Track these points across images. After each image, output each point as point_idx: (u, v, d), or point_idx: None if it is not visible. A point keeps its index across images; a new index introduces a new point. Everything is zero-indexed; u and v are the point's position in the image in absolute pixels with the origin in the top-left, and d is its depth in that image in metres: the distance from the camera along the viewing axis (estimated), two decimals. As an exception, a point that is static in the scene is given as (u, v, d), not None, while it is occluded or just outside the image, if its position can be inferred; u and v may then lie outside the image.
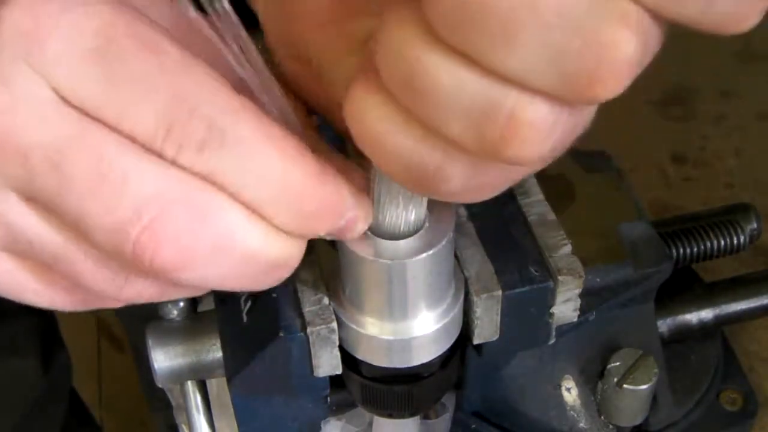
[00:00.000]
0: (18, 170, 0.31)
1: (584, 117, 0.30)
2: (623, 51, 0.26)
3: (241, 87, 0.33)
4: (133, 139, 0.31)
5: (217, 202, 0.31)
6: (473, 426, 0.51)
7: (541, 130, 0.28)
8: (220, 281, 0.34)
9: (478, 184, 0.32)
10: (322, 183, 0.33)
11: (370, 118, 0.31)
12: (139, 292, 0.35)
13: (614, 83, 0.26)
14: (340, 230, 0.35)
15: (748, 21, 0.27)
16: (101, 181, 0.30)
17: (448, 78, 0.28)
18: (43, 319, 1.09)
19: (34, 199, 0.32)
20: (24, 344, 1.04)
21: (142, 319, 0.49)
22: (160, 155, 0.31)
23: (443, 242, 0.38)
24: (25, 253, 0.34)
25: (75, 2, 0.30)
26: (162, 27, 0.32)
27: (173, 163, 0.31)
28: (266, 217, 0.32)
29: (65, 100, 0.30)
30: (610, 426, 0.50)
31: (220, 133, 0.30)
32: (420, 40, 0.28)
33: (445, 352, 0.43)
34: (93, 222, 0.31)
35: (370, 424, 0.50)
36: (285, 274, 0.35)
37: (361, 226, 0.36)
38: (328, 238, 0.36)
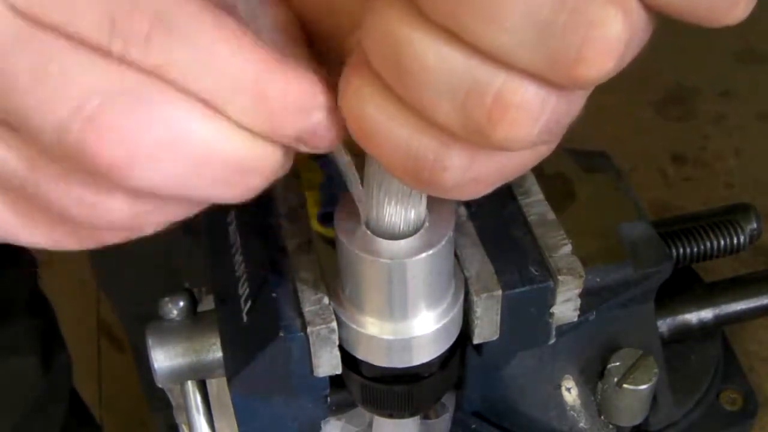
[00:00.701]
0: None
1: (573, 103, 0.30)
2: (609, 29, 0.26)
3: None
4: (79, 40, 0.30)
5: (164, 94, 0.31)
6: (473, 426, 0.51)
7: (528, 112, 0.28)
8: (181, 184, 0.32)
9: (474, 176, 0.32)
10: (283, 74, 0.31)
11: (366, 110, 0.31)
12: (113, 213, 0.33)
13: (599, 63, 0.26)
14: (310, 134, 0.33)
15: (737, 9, 0.27)
16: (44, 79, 0.30)
17: (436, 58, 0.28)
18: (44, 320, 1.09)
19: None
20: (24, 344, 1.04)
21: (141, 320, 0.49)
22: (107, 53, 0.30)
23: (443, 242, 0.38)
24: None
25: None
26: None
27: (121, 60, 0.30)
28: (222, 111, 0.31)
29: (15, 9, 0.30)
30: (610, 426, 0.50)
31: (167, 23, 0.30)
32: (407, 21, 0.28)
33: (445, 352, 0.43)
34: (38, 123, 0.31)
35: (370, 424, 0.50)
36: (258, 182, 0.33)
37: (333, 134, 0.34)
38: (302, 148, 0.34)
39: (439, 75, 0.28)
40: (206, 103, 0.31)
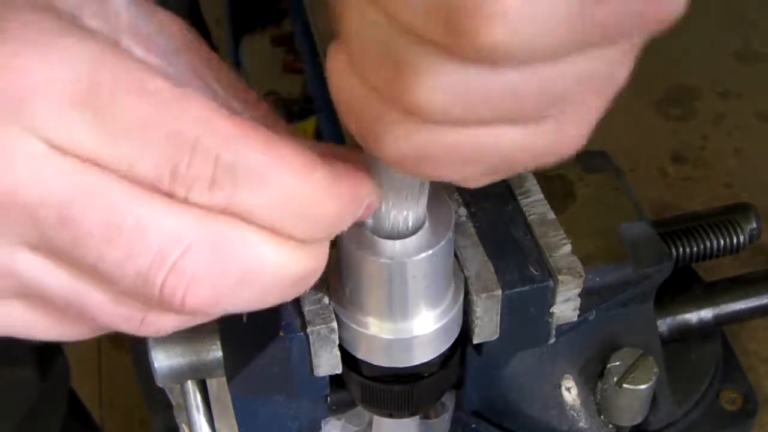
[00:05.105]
0: (28, 228, 0.30)
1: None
2: None
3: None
4: (140, 184, 0.30)
5: (238, 232, 0.31)
6: (473, 425, 0.51)
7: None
8: (249, 304, 0.33)
9: (418, 151, 0.30)
10: (337, 187, 0.32)
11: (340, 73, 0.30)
12: (159, 327, 0.34)
13: None
14: (366, 214, 0.35)
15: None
16: (116, 230, 0.30)
17: None
18: None
19: (47, 251, 0.31)
20: (20, 352, 1.03)
21: None
22: (171, 197, 0.30)
23: (443, 242, 0.38)
24: (38, 300, 0.33)
25: (56, 48, 0.29)
26: (149, 64, 0.31)
27: (186, 202, 0.30)
28: (289, 235, 0.32)
29: (63, 152, 0.30)
30: (610, 426, 0.50)
31: (230, 166, 0.30)
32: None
33: (445, 352, 0.43)
34: (114, 270, 0.31)
35: (370, 423, 0.50)
36: (314, 280, 0.35)
37: (375, 204, 0.36)
38: None
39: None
40: (276, 231, 0.32)
